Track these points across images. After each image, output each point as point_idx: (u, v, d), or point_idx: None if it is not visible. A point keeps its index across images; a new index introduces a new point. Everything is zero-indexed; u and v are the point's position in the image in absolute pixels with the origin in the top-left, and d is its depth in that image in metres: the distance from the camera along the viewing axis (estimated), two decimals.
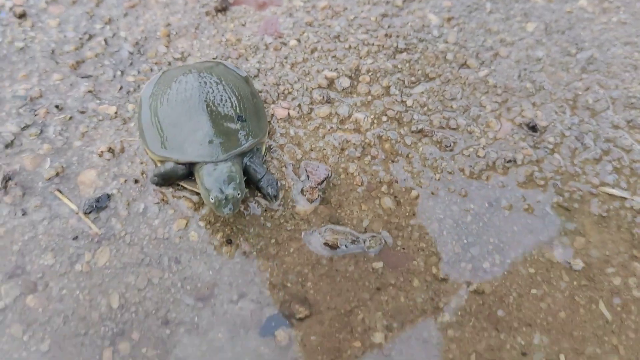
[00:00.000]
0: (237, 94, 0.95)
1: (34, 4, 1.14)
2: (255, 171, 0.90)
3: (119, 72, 1.05)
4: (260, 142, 0.93)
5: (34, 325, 0.78)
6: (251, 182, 0.91)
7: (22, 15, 1.10)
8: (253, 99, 0.98)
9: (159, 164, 0.91)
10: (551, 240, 0.92)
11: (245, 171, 0.90)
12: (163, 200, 0.90)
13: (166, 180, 0.90)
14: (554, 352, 0.81)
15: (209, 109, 0.90)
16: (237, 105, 0.93)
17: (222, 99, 0.93)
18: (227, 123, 0.90)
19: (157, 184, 0.90)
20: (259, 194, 0.91)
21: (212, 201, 0.81)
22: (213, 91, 0.93)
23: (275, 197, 0.91)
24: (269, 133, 0.97)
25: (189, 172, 0.89)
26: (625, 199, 0.97)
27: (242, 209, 0.89)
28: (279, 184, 0.92)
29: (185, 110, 0.90)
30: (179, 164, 0.88)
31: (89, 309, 0.79)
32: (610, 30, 1.23)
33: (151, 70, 1.06)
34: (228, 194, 0.81)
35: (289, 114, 1.02)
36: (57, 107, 0.99)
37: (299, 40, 1.14)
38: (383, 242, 0.89)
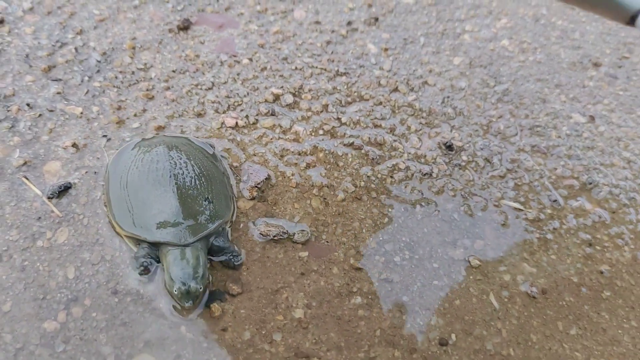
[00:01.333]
0: (205, 173, 1.00)
1: (12, 12, 1.26)
2: (220, 248, 0.96)
3: (86, 78, 1.18)
4: (225, 221, 0.98)
5: None
6: (214, 255, 0.97)
7: (0, 22, 1.22)
8: (219, 177, 1.03)
9: (125, 239, 0.96)
10: (455, 241, 1.07)
11: (210, 249, 0.96)
12: None
13: (150, 258, 0.94)
14: (447, 332, 0.96)
15: (178, 190, 0.95)
16: (205, 186, 0.98)
17: (191, 180, 0.97)
18: (195, 205, 0.95)
19: (144, 270, 0.93)
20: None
21: (176, 293, 0.87)
22: (182, 172, 0.97)
23: (239, 265, 0.98)
24: (234, 212, 1.03)
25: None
26: (521, 210, 1.13)
27: None
28: (241, 254, 0.99)
29: (155, 189, 0.95)
30: (148, 243, 0.93)
31: (47, 278, 0.91)
32: (526, 68, 1.41)
33: (116, 77, 1.19)
34: (191, 288, 0.87)
35: (236, 123, 1.16)
36: (28, 105, 1.11)
37: (251, 60, 1.29)
38: (309, 235, 1.03)
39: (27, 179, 1.01)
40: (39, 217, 0.97)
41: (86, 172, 1.04)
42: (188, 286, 0.86)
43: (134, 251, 0.95)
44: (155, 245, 0.93)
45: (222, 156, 1.09)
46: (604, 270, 1.08)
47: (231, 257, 0.97)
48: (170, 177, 0.96)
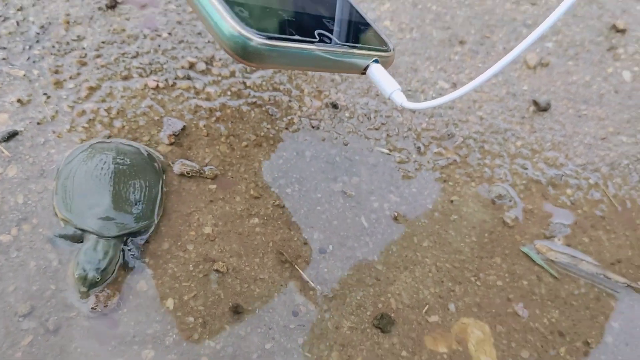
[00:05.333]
0: (144, 181, 1.17)
1: None
2: (130, 247, 1.12)
3: (27, 46, 1.39)
4: (147, 225, 1.14)
5: None
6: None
7: None
8: (156, 189, 1.19)
9: (62, 224, 1.11)
10: (335, 178, 1.34)
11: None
12: (59, 136, 1.25)
13: (66, 240, 1.10)
14: (326, 244, 1.23)
15: (114, 189, 1.12)
16: (139, 190, 1.15)
17: (128, 184, 1.14)
18: (126, 206, 1.11)
19: (54, 242, 1.10)
20: None
21: (76, 277, 1.02)
22: (124, 175, 1.15)
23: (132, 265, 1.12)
24: (158, 218, 1.17)
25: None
26: (390, 154, 1.41)
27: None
28: (139, 258, 1.13)
29: (96, 185, 1.11)
30: (77, 229, 1.09)
31: (1, 203, 1.13)
32: (403, 44, 1.69)
33: (53, 46, 1.40)
34: (88, 276, 1.01)
35: (157, 85, 1.40)
36: None
37: (170, 34, 1.53)
38: (218, 172, 1.28)
39: None
40: None
41: (30, 122, 1.25)
42: (86, 273, 1.02)
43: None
44: (83, 232, 1.09)
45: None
46: (454, 199, 1.37)
47: (131, 256, 1.11)
48: (111, 177, 1.13)
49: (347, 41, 1.02)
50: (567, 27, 1.85)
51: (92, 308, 1.03)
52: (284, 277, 1.16)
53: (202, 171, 1.27)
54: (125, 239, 1.11)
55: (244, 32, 0.81)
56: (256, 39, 0.82)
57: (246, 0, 0.90)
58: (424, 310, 1.17)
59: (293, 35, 0.90)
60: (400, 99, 1.03)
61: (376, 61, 1.06)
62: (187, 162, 1.28)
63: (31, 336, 1.00)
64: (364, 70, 1.05)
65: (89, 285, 1.02)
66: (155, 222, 1.15)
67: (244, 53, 0.83)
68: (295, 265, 1.17)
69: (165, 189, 1.22)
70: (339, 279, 1.18)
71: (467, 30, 1.78)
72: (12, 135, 1.21)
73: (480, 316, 1.19)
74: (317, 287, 1.16)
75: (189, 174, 1.25)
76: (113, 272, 1.07)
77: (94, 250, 1.04)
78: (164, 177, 1.23)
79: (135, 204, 1.12)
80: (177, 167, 1.26)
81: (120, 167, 1.16)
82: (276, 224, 1.23)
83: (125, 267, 1.10)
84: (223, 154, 1.31)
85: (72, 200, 1.11)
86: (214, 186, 1.26)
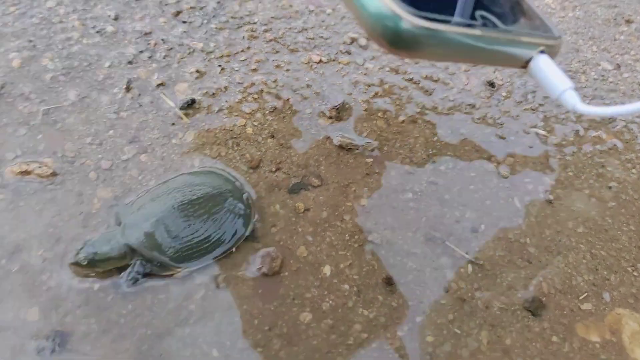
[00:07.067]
0: (209, 228, 1.09)
1: None
2: (135, 267, 1.04)
3: (205, 21, 1.50)
4: (163, 262, 1.05)
5: (145, 172, 1.23)
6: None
7: None
8: (218, 244, 1.11)
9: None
10: (490, 157, 1.35)
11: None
12: (231, 106, 1.35)
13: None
14: (477, 223, 1.25)
15: (175, 214, 1.07)
16: (192, 232, 1.07)
17: (190, 219, 1.08)
18: (169, 233, 1.05)
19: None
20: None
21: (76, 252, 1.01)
22: (199, 214, 1.09)
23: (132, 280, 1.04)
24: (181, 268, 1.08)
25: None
26: (547, 136, 1.40)
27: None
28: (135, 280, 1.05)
29: (167, 201, 1.09)
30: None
31: (180, 165, 1.25)
32: (565, 22, 1.64)
33: (227, 22, 1.51)
34: (79, 253, 0.99)
35: (320, 59, 1.47)
36: (162, 40, 1.44)
37: (333, 10, 1.58)
38: (374, 146, 1.33)
39: (164, 94, 1.34)
40: (173, 123, 1.31)
41: (206, 91, 1.36)
42: (80, 249, 1.00)
43: None
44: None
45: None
46: (612, 185, 1.34)
47: (130, 274, 1.04)
48: (186, 204, 1.09)
49: (511, 25, 0.82)
50: None
51: (257, 269, 1.12)
52: (436, 253, 1.19)
53: (359, 145, 1.32)
54: (141, 258, 1.04)
55: (397, 9, 0.62)
56: (413, 20, 0.63)
57: None
58: (581, 297, 1.17)
59: (453, 17, 0.72)
60: (572, 100, 0.82)
61: (542, 52, 0.85)
62: (346, 134, 1.33)
63: (203, 290, 1.10)
64: (525, 63, 0.85)
65: (74, 259, 1.00)
66: (179, 272, 1.08)
67: (394, 38, 0.65)
68: (447, 242, 1.20)
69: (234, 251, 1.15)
70: (489, 258, 1.20)
71: (634, 8, 1.69)
72: (191, 103, 1.33)
73: (637, 308, 1.17)
74: (469, 263, 1.18)
75: (347, 146, 1.31)
76: (102, 268, 1.02)
77: (104, 239, 1.02)
78: (248, 235, 1.17)
79: (174, 239, 1.05)
80: (336, 139, 1.32)
81: (210, 207, 1.11)
82: (429, 201, 1.27)
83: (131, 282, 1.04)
84: (380, 128, 1.36)
85: (145, 199, 1.12)
86: (371, 160, 1.31)
